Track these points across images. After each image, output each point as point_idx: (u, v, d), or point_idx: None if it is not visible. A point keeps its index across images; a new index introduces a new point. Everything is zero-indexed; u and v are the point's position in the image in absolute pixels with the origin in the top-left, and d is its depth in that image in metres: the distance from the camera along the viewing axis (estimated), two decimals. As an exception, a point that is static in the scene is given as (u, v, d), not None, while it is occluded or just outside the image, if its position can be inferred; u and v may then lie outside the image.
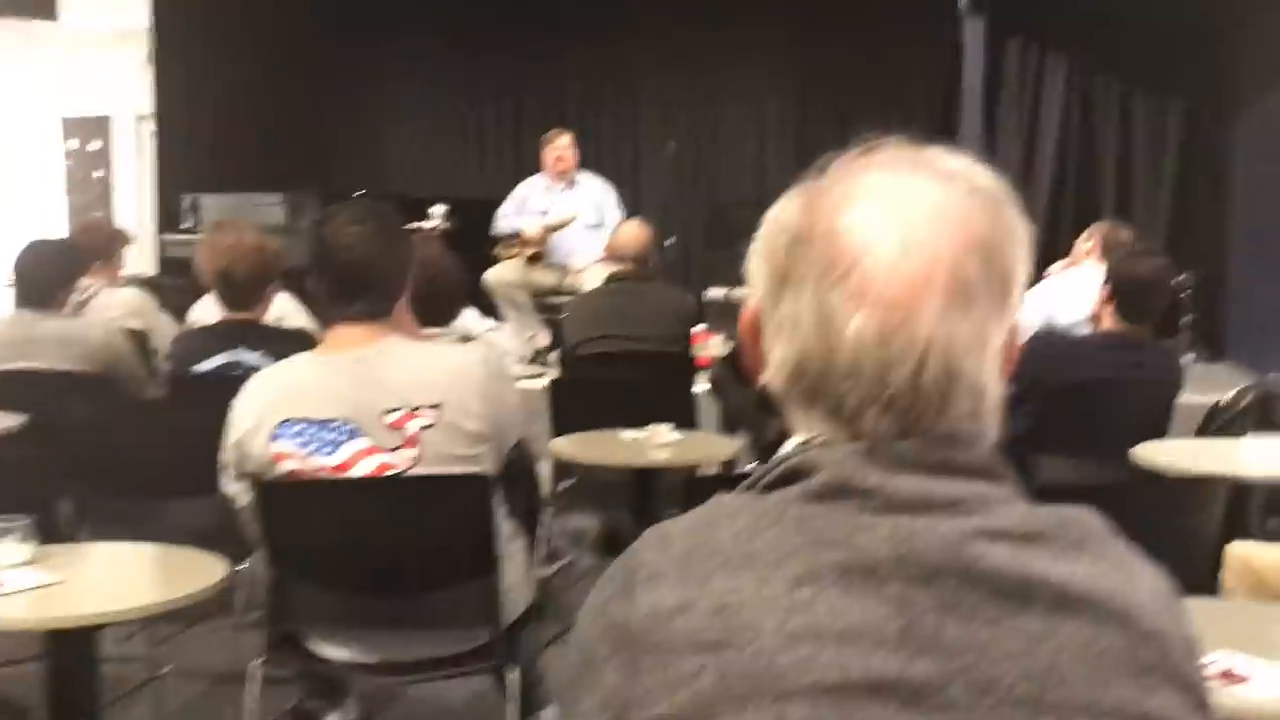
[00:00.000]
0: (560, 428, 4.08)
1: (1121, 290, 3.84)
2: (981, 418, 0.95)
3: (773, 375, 0.98)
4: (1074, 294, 4.66)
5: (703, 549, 0.92)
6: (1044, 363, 3.88)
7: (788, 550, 0.90)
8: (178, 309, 5.44)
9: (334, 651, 2.63)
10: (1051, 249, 7.79)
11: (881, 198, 0.94)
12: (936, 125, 9.20)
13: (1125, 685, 0.89)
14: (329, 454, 2.50)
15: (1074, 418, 3.74)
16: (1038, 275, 5.70)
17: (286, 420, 2.51)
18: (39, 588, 2.12)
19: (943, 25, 8.99)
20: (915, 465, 0.92)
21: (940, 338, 0.91)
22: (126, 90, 10.47)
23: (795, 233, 0.95)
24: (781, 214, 0.98)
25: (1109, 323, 3.90)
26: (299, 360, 2.66)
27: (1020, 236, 0.97)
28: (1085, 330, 4.28)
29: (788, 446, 0.98)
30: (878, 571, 0.88)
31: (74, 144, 10.89)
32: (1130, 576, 0.94)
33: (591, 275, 6.82)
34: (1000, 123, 8.69)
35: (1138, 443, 3.48)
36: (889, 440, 0.92)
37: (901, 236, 0.91)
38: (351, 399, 2.50)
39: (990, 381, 0.95)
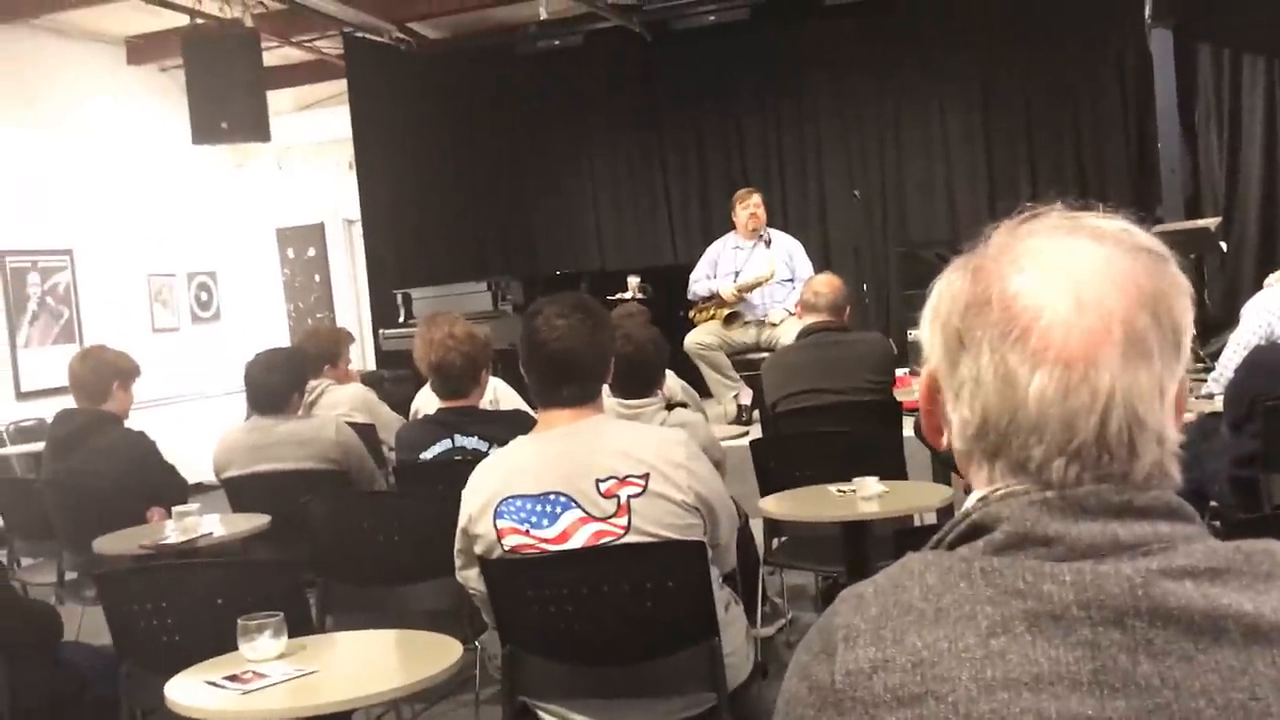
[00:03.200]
0: (766, 486, 4.12)
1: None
2: (1165, 464, 0.98)
3: (956, 435, 1.02)
4: (1293, 304, 4.46)
5: (896, 607, 0.97)
6: (1266, 379, 3.73)
7: (977, 603, 0.94)
8: (398, 400, 5.73)
9: (567, 723, 2.72)
10: (1267, 259, 7.47)
11: (1049, 260, 0.98)
12: (1132, 144, 8.95)
13: None
14: (547, 526, 2.64)
15: (1303, 434, 3.58)
16: (1255, 287, 5.47)
17: (508, 498, 2.67)
18: (295, 678, 2.30)
19: (1128, 41, 8.76)
20: (1095, 511, 0.95)
21: (1122, 388, 0.94)
22: (333, 197, 11.12)
23: (968, 299, 1.00)
24: (951, 283, 1.03)
25: (1333, 331, 3.73)
26: (516, 444, 2.82)
27: (1184, 290, 0.99)
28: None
29: (969, 502, 1.03)
30: (1065, 617, 0.91)
31: (291, 253, 11.58)
32: None
33: (788, 329, 6.87)
34: (1201, 133, 8.38)
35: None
36: (1072, 488, 0.95)
37: (1074, 295, 0.96)
38: (564, 471, 2.65)
39: (1170, 430, 0.98)
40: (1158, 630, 0.90)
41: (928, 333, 1.05)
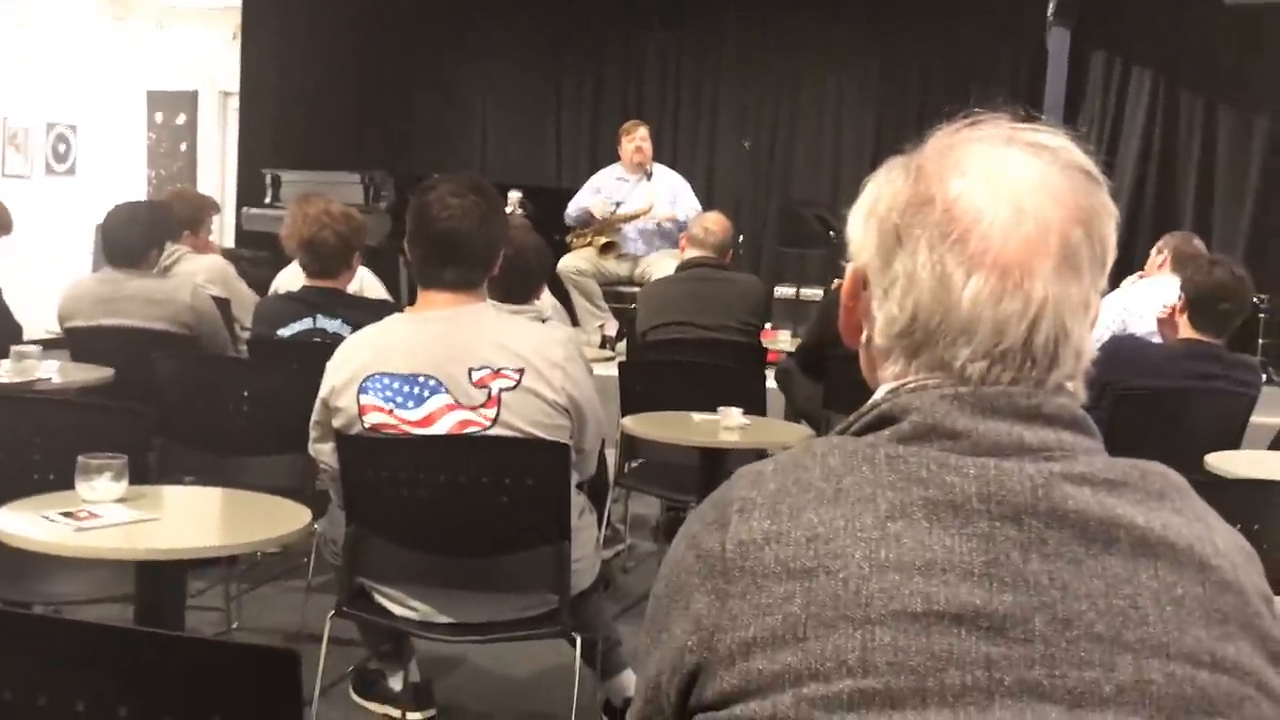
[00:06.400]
0: (629, 408, 4.12)
1: (1198, 299, 3.82)
2: (1078, 378, 1.00)
3: (878, 331, 1.02)
4: (1147, 304, 4.63)
5: (795, 485, 0.97)
6: (1118, 368, 3.86)
7: (879, 487, 0.94)
8: (255, 280, 5.56)
9: (404, 610, 2.69)
10: (1128, 261, 7.74)
11: (989, 167, 0.99)
12: (1016, 134, 9.16)
13: (1201, 630, 0.91)
14: (413, 408, 2.58)
15: (1146, 424, 3.72)
16: (1113, 285, 5.67)
17: (375, 374, 2.60)
18: (133, 522, 2.21)
19: (1027, 35, 8.94)
20: (1004, 411, 0.96)
21: (1053, 299, 0.96)
22: (212, 66, 10.68)
23: (909, 196, 1.00)
24: (891, 180, 1.03)
25: (1185, 332, 3.88)
26: (391, 320, 2.75)
27: (1113, 213, 1.02)
28: (1158, 340, 4.26)
29: (877, 395, 1.03)
30: (965, 508, 0.92)
31: (160, 117, 11.11)
32: (1209, 529, 0.97)
33: (662, 266, 6.88)
34: (1082, 132, 8.62)
35: (1210, 452, 3.46)
36: (988, 386, 0.96)
37: (1014, 203, 0.97)
38: (437, 356, 2.59)
39: (1088, 345, 1.00)
40: (1053, 531, 0.92)
41: (860, 229, 1.05)
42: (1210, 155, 8.34)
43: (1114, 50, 8.57)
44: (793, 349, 5.84)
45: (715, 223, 5.15)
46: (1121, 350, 3.98)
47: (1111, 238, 1.00)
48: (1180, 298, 3.89)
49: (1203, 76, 8.31)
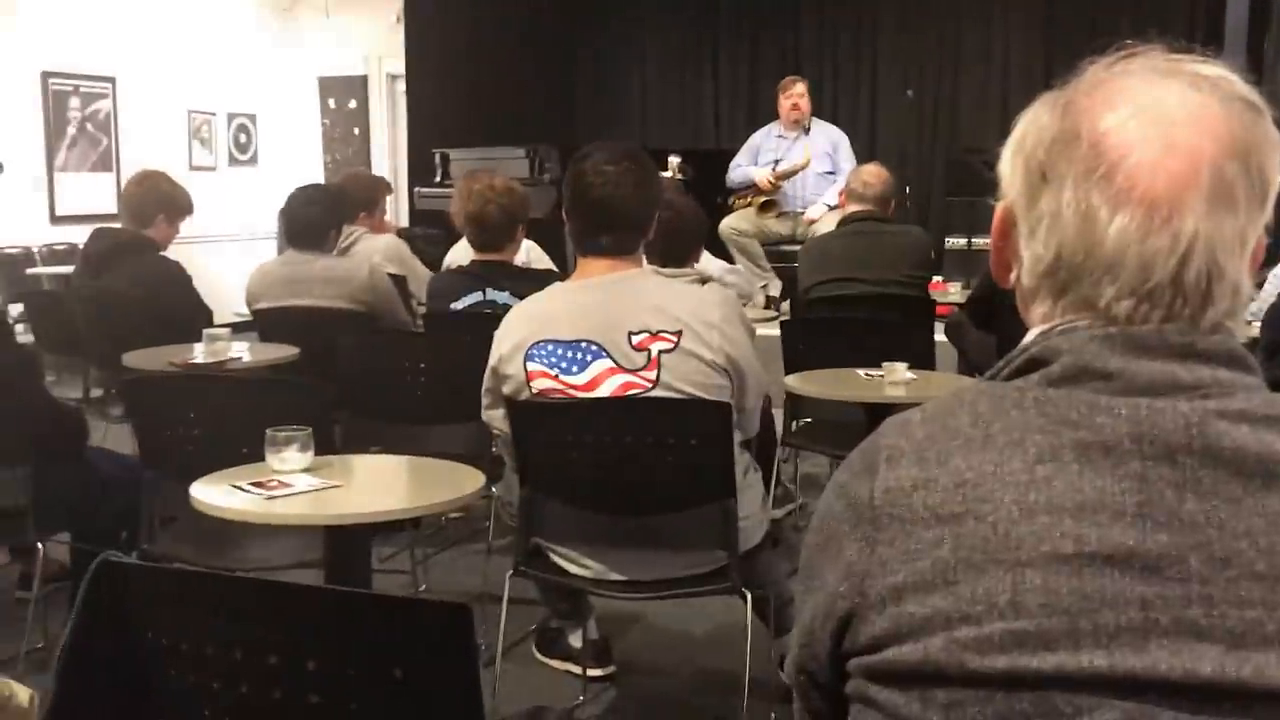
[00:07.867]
0: (793, 367, 4.11)
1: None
2: (1236, 315, 0.97)
3: (1025, 271, 1.01)
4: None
5: (943, 432, 0.97)
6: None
7: (1028, 431, 0.94)
8: (430, 259, 5.73)
9: (578, 569, 2.76)
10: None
11: (1141, 101, 0.96)
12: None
13: None
14: (577, 373, 2.65)
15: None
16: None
17: (540, 342, 2.67)
18: (319, 490, 2.33)
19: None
20: (1157, 350, 0.94)
21: (1204, 234, 0.93)
22: (379, 50, 10.98)
23: (1056, 134, 0.98)
24: (1038, 117, 1.01)
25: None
26: (553, 289, 2.82)
27: (1276, 144, 0.97)
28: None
29: (1029, 337, 1.02)
30: (1117, 449, 0.91)
31: (332, 103, 11.48)
32: None
33: (824, 223, 6.82)
34: (1267, 65, 8.17)
35: None
36: (1134, 327, 0.94)
37: (1164, 137, 0.94)
38: (598, 321, 2.64)
39: (1246, 283, 0.97)
40: (1208, 470, 0.90)
41: (1009, 166, 1.03)
42: None
43: (1301, -30, 8.09)
44: (963, 301, 5.73)
45: (873, 175, 5.07)
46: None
47: (1274, 170, 0.96)
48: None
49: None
